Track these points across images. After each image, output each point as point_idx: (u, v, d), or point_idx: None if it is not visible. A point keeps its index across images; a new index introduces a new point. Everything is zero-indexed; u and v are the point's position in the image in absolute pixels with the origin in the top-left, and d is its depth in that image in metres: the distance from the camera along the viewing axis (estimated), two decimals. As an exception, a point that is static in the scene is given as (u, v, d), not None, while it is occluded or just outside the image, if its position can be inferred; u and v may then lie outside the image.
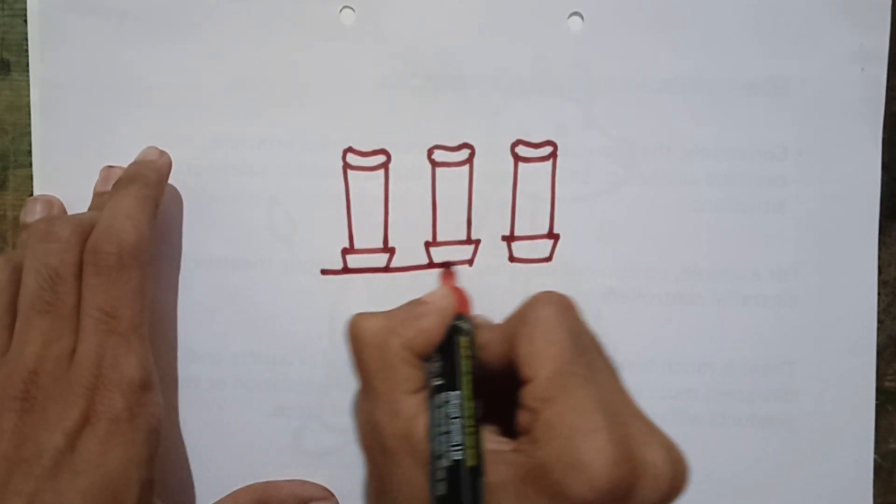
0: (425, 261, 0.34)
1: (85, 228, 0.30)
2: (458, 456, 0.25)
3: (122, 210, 0.30)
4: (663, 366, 0.34)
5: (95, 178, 0.33)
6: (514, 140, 0.34)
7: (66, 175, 0.34)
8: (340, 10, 0.33)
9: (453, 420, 0.26)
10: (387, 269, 0.34)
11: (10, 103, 0.34)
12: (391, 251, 0.34)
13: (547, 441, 0.25)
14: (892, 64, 0.33)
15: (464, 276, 0.34)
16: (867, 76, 0.33)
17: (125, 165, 0.33)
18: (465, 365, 0.28)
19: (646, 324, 0.34)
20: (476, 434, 0.26)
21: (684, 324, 0.34)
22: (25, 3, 0.34)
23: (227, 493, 0.33)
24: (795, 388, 0.34)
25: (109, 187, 0.32)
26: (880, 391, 0.34)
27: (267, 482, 0.34)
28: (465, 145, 0.34)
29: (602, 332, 0.34)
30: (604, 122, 0.34)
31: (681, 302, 0.34)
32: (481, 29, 0.33)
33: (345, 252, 0.34)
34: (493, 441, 0.26)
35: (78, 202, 0.33)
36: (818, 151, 0.34)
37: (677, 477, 0.25)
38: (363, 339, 0.28)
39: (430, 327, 0.28)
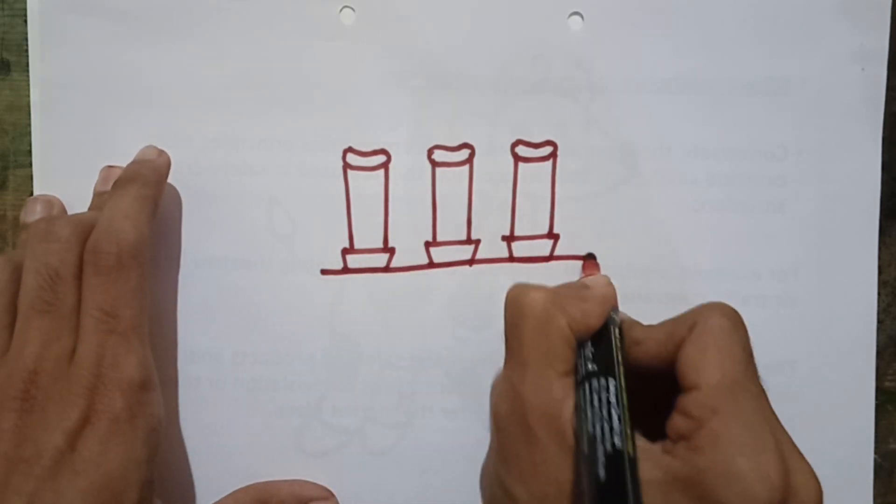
0: (425, 261, 0.34)
1: (85, 228, 0.30)
2: (619, 444, 0.24)
3: (122, 210, 0.30)
4: (663, 366, 0.34)
5: (95, 178, 0.33)
6: (514, 140, 0.34)
7: (66, 175, 0.34)
8: (340, 10, 0.33)
9: (612, 406, 0.25)
10: (387, 269, 0.34)
11: (10, 103, 0.34)
12: (391, 251, 0.34)
13: (710, 451, 0.24)
14: (892, 64, 0.33)
15: (464, 276, 0.34)
16: (867, 76, 0.33)
17: (125, 165, 0.33)
18: (619, 356, 0.27)
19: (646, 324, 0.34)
20: (632, 426, 0.25)
21: (684, 324, 0.34)
22: (25, 3, 0.34)
23: (227, 493, 0.33)
24: (795, 388, 0.34)
25: (109, 187, 0.32)
26: (880, 391, 0.34)
27: (267, 482, 0.34)
28: (465, 145, 0.34)
29: (602, 332, 0.34)
30: (604, 122, 0.34)
31: (681, 302, 0.34)
32: (481, 29, 0.33)
33: (345, 252, 0.34)
34: (636, 438, 0.26)
35: (78, 202, 0.33)
36: (818, 151, 0.34)
37: None
38: (526, 310, 0.28)
39: (594, 311, 0.28)
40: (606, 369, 0.27)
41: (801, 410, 0.34)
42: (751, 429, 0.25)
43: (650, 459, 0.25)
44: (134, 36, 0.33)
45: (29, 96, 0.34)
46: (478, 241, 0.34)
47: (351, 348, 0.34)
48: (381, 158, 0.34)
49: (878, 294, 0.34)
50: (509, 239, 0.34)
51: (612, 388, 0.26)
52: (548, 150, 0.34)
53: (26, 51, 0.34)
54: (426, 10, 0.33)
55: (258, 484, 0.33)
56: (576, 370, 0.27)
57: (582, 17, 0.33)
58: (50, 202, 0.33)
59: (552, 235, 0.34)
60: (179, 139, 0.34)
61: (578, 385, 0.27)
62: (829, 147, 0.34)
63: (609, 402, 0.25)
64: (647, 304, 0.34)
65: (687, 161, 0.34)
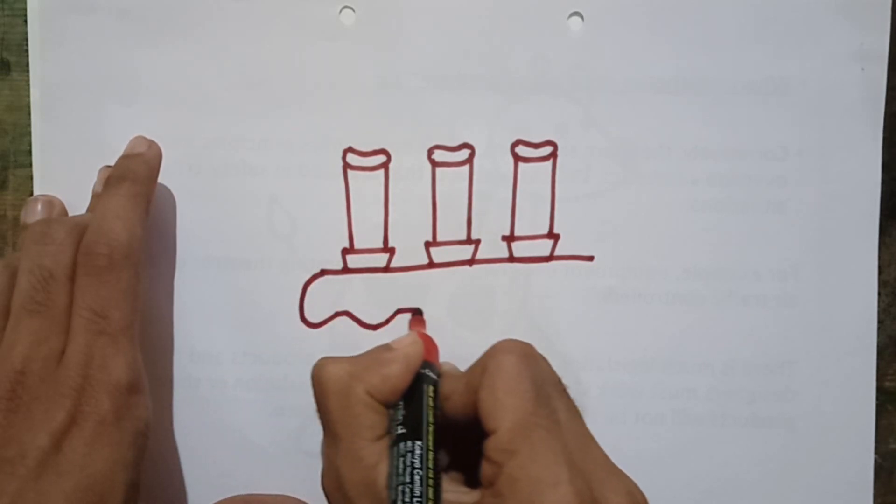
0: (425, 261, 0.34)
1: (80, 230, 0.29)
2: None
3: (113, 210, 0.30)
4: (663, 366, 0.34)
5: (95, 178, 0.33)
6: (514, 140, 0.34)
7: (66, 175, 0.34)
8: (340, 10, 0.33)
9: (415, 471, 0.26)
10: (387, 269, 0.34)
11: (10, 103, 0.34)
12: (391, 251, 0.34)
13: (511, 495, 0.24)
14: (892, 64, 0.33)
15: (464, 276, 0.34)
16: (867, 76, 0.33)
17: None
18: (429, 415, 0.28)
19: (646, 324, 0.34)
20: (437, 486, 0.26)
21: (684, 324, 0.34)
22: (25, 3, 0.34)
23: (227, 494, 0.33)
24: (795, 388, 0.34)
25: (107, 187, 0.32)
26: (880, 391, 0.34)
27: (249, 495, 0.33)
28: (465, 145, 0.34)
29: (602, 332, 0.34)
30: (604, 122, 0.34)
31: (681, 302, 0.34)
32: (481, 29, 0.33)
33: (345, 252, 0.34)
34: (453, 492, 0.26)
35: (78, 202, 0.33)
36: (818, 151, 0.34)
37: None
38: (327, 385, 0.28)
39: (396, 374, 0.28)
40: (414, 431, 0.27)
41: (801, 410, 0.34)
42: (544, 464, 0.24)
43: None
44: (134, 36, 0.33)
45: (29, 96, 0.34)
46: (478, 241, 0.34)
47: (351, 348, 0.34)
48: (381, 158, 0.34)
49: (878, 294, 0.34)
50: (509, 239, 0.34)
51: (417, 451, 0.26)
52: (548, 150, 0.34)
53: (26, 51, 0.34)
54: (426, 11, 0.33)
55: (240, 497, 0.33)
56: (390, 432, 0.28)
57: (582, 17, 0.33)
58: (50, 202, 0.33)
59: (552, 235, 0.34)
60: (179, 139, 0.34)
61: (391, 448, 0.27)
62: (829, 147, 0.34)
63: (413, 466, 0.26)
64: (648, 304, 0.34)
65: (687, 161, 0.34)
